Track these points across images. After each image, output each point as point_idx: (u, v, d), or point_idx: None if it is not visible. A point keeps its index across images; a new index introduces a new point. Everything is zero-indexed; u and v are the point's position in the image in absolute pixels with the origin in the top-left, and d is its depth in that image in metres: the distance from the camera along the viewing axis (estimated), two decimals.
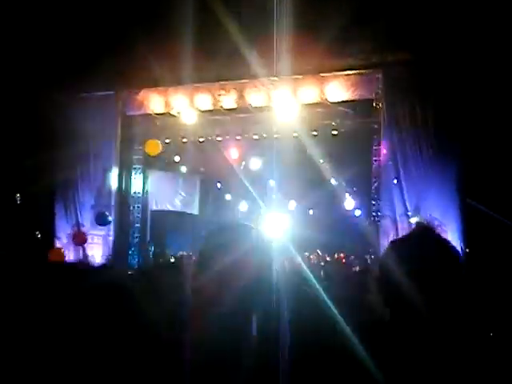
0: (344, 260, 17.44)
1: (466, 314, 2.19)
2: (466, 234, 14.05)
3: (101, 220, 17.04)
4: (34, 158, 15.08)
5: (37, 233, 17.12)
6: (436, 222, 10.99)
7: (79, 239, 16.92)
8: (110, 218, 17.08)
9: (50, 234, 17.64)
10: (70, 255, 16.86)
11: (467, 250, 13.96)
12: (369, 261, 15.88)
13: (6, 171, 15.84)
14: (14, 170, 15.78)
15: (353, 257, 17.13)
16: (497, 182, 13.44)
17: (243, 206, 21.02)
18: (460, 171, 14.16)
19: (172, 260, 17.17)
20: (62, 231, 17.77)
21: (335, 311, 3.25)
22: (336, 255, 17.98)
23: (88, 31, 15.24)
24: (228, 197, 21.58)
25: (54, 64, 15.82)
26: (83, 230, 17.43)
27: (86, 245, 17.32)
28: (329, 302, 3.61)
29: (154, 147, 18.03)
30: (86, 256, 17.00)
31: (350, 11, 13.19)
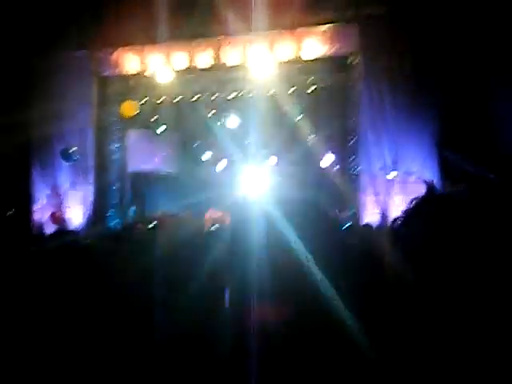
0: None
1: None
2: (445, 187, 14.19)
3: (64, 155, 16.95)
4: (9, 119, 14.91)
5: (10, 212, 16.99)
6: (414, 176, 11.15)
7: (55, 219, 16.88)
8: (75, 156, 16.98)
9: (27, 196, 17.53)
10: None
11: None
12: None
13: None
14: None
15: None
16: (474, 135, 13.56)
17: (221, 165, 20.98)
18: (438, 125, 14.27)
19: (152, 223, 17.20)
20: (39, 192, 17.67)
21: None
22: None
23: None
24: (206, 156, 21.49)
25: (26, 23, 15.60)
26: (59, 194, 17.40)
27: (64, 206, 17.28)
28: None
29: (129, 109, 17.89)
30: (64, 218, 16.99)
31: None
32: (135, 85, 18.25)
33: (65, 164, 17.53)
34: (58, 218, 16.73)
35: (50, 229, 16.31)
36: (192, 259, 4.39)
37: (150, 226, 17.07)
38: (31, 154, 17.76)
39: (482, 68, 13.35)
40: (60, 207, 17.32)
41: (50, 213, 16.79)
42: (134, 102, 17.89)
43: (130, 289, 4.10)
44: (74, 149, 16.99)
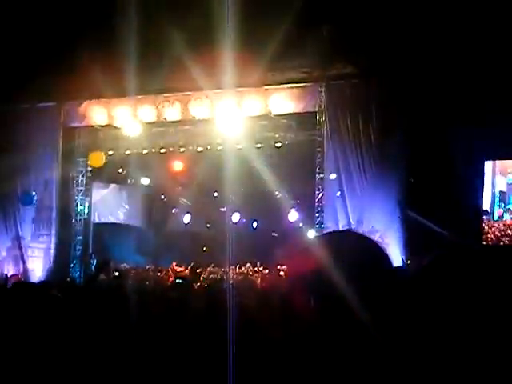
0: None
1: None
2: (407, 246, 14.26)
3: (25, 199, 16.79)
4: None
5: None
6: (378, 234, 11.16)
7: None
8: (35, 199, 16.83)
9: None
10: (10, 269, 16.59)
11: (408, 262, 14.15)
12: None
13: None
14: None
15: None
16: (437, 194, 13.68)
17: (187, 218, 20.93)
18: (402, 184, 14.40)
19: (116, 273, 17.01)
20: (1, 244, 17.42)
21: None
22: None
23: (30, 42, 15.03)
24: (172, 209, 21.43)
25: None
26: (21, 246, 17.22)
27: (26, 258, 17.05)
28: None
29: (97, 159, 17.84)
30: (26, 270, 16.73)
31: (293, 25, 13.30)
32: (103, 136, 18.22)
33: (25, 211, 17.38)
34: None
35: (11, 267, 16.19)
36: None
37: (116, 274, 16.96)
38: None
39: (447, 130, 13.54)
40: (18, 259, 17.07)
41: (10, 276, 16.52)
42: (101, 153, 17.84)
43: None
44: (33, 193, 16.85)
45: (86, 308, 4.72)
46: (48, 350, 3.75)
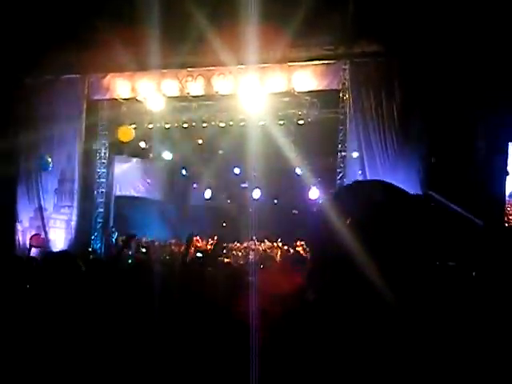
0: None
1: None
2: None
3: (40, 164, 16.88)
4: None
5: None
6: None
7: (36, 241, 16.80)
8: (51, 164, 16.88)
9: (12, 218, 17.45)
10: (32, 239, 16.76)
11: None
12: None
13: None
14: None
15: None
16: (458, 175, 13.58)
17: (208, 194, 20.97)
18: (424, 163, 14.30)
19: (143, 250, 17.18)
20: (23, 214, 17.60)
21: None
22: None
23: (54, 14, 15.04)
24: (193, 184, 21.50)
25: (19, 46, 15.62)
26: (43, 217, 17.36)
27: (47, 229, 17.20)
28: None
29: (126, 133, 17.91)
30: (47, 240, 16.89)
31: (318, 1, 13.19)
32: (126, 110, 18.28)
33: (48, 183, 17.52)
34: (38, 241, 16.64)
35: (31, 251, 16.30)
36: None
37: (143, 251, 17.11)
38: (17, 177, 17.69)
39: (470, 110, 13.42)
40: (41, 230, 17.22)
41: (31, 235, 16.67)
42: (130, 127, 17.91)
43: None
44: (49, 158, 16.91)
45: (112, 283, 4.75)
46: (74, 324, 3.79)
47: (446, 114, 13.67)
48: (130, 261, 12.88)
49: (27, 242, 16.28)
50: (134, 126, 18.19)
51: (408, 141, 14.45)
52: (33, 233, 16.72)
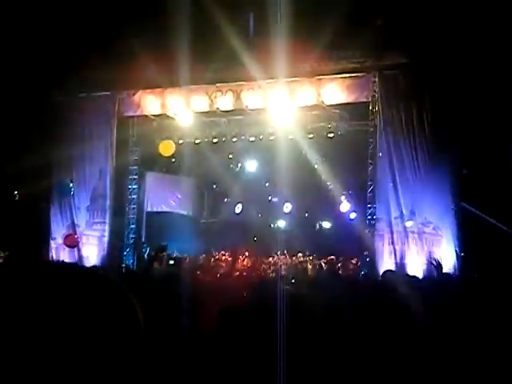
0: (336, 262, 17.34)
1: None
2: (461, 238, 14.08)
3: (60, 189, 16.88)
4: (31, 159, 15.10)
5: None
6: (431, 226, 11.06)
7: (70, 241, 16.96)
8: (72, 189, 16.85)
9: (46, 235, 17.63)
10: (65, 256, 16.90)
11: (462, 254, 13.99)
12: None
13: (2, 172, 15.86)
14: (11, 171, 15.78)
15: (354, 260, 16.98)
16: (492, 186, 13.48)
17: (238, 208, 20.99)
18: (456, 175, 14.20)
19: (171, 262, 17.23)
20: (57, 232, 17.75)
21: None
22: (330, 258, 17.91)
23: (86, 32, 15.23)
24: (224, 198, 21.54)
25: (52, 64, 15.83)
26: (76, 233, 17.49)
27: (81, 245, 17.34)
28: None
29: (167, 148, 18.05)
30: (80, 257, 17.02)
31: (347, 14, 13.20)
32: (156, 126, 18.43)
33: (80, 200, 17.68)
34: (71, 241, 16.81)
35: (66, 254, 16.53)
36: None
37: (171, 263, 17.16)
38: (50, 194, 17.87)
39: (502, 120, 13.32)
40: (74, 231, 17.37)
41: (64, 235, 16.86)
42: (171, 142, 18.04)
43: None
44: (70, 183, 16.99)
45: (143, 295, 4.76)
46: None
47: (477, 124, 13.58)
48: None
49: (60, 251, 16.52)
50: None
51: (439, 152, 14.35)
52: (66, 251, 16.91)
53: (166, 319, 4.45)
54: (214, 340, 4.44)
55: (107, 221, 17.50)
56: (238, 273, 14.51)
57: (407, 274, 10.66)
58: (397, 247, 14.74)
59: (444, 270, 11.50)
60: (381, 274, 12.11)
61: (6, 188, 16.99)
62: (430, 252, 14.19)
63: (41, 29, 15.03)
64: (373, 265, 14.91)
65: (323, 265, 16.73)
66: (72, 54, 15.77)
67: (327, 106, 16.14)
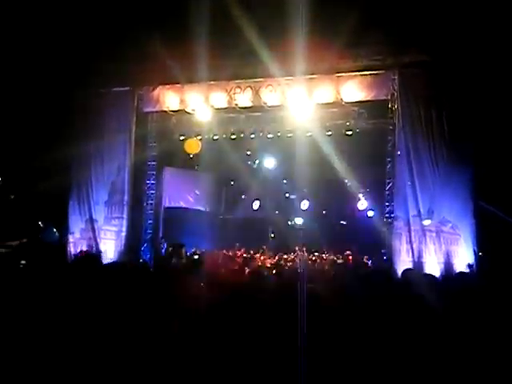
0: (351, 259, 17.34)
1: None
2: (479, 237, 14.02)
3: (45, 234, 16.67)
4: (50, 154, 15.20)
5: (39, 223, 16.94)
6: (449, 225, 11.01)
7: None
8: (57, 234, 16.60)
9: (64, 229, 17.72)
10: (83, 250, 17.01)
11: (480, 254, 13.94)
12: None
13: (22, 167, 15.98)
14: (30, 165, 15.90)
15: (366, 257, 17.00)
16: (510, 185, 13.40)
17: (256, 205, 21.02)
18: (474, 174, 14.12)
19: (196, 256, 17.27)
20: (75, 226, 17.86)
21: None
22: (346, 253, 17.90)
23: (106, 28, 15.30)
24: (241, 195, 21.57)
25: (71, 60, 15.93)
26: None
27: (98, 240, 17.43)
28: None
29: (193, 146, 18.14)
30: (99, 251, 17.11)
31: (366, 12, 13.16)
32: (175, 122, 18.51)
33: (99, 195, 17.75)
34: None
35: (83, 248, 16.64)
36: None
37: (195, 258, 17.21)
38: (69, 189, 17.97)
39: None
40: (92, 241, 17.45)
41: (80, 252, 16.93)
42: (197, 140, 18.12)
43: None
44: (54, 230, 16.79)
45: (159, 290, 4.80)
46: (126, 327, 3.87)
47: (496, 123, 13.50)
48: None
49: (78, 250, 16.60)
50: (182, 137, 18.36)
51: (458, 151, 14.27)
52: (84, 248, 17.01)
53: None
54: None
55: (125, 216, 17.58)
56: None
57: (427, 273, 10.63)
58: (414, 246, 14.68)
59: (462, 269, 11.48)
60: (399, 272, 12.11)
61: (25, 184, 17.07)
62: (447, 251, 14.16)
63: (61, 26, 15.11)
64: (390, 263, 14.88)
65: (340, 261, 16.72)
66: (92, 51, 15.86)
67: (346, 103, 16.09)
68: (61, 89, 16.37)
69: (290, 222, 19.70)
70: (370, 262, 16.47)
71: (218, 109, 17.40)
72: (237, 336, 3.95)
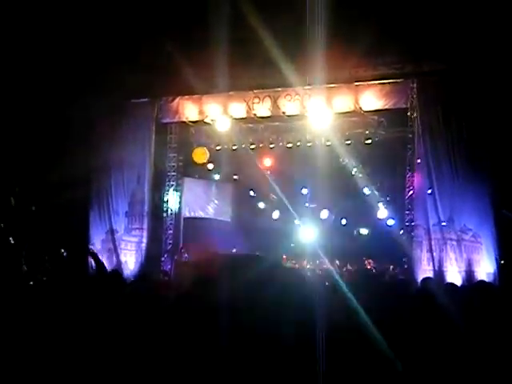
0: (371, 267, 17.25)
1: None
2: (501, 246, 13.92)
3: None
4: (71, 165, 15.27)
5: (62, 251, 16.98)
6: (470, 233, 10.96)
7: None
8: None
9: (85, 240, 17.80)
10: (104, 261, 17.03)
11: (502, 262, 13.84)
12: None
13: (43, 178, 16.06)
14: (51, 176, 15.97)
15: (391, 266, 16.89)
16: None
17: (275, 214, 20.99)
18: (494, 182, 14.02)
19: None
20: (96, 237, 17.96)
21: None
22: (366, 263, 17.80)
23: (125, 39, 15.41)
24: (261, 204, 21.53)
25: (92, 72, 16.03)
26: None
27: (119, 251, 17.48)
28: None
29: (200, 155, 18.19)
30: (119, 263, 17.17)
31: (384, 21, 13.16)
32: (194, 132, 18.58)
33: (119, 205, 17.83)
34: None
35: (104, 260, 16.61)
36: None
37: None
38: (89, 200, 18.07)
39: None
40: (112, 252, 17.48)
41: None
42: (204, 149, 18.18)
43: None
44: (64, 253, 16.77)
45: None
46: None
47: None
48: None
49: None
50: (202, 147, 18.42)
51: (478, 160, 14.18)
52: (104, 257, 17.03)
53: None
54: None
55: (145, 227, 17.65)
56: None
57: (448, 283, 10.57)
58: (435, 254, 14.61)
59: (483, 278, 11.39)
60: (419, 281, 12.03)
61: (46, 195, 17.16)
62: (469, 259, 14.08)
63: (81, 36, 15.23)
64: (411, 272, 14.81)
65: (360, 270, 16.64)
66: (112, 62, 15.95)
67: (365, 112, 16.07)
68: (82, 100, 16.47)
69: (310, 231, 19.58)
70: (390, 270, 16.39)
71: (236, 119, 17.44)
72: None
